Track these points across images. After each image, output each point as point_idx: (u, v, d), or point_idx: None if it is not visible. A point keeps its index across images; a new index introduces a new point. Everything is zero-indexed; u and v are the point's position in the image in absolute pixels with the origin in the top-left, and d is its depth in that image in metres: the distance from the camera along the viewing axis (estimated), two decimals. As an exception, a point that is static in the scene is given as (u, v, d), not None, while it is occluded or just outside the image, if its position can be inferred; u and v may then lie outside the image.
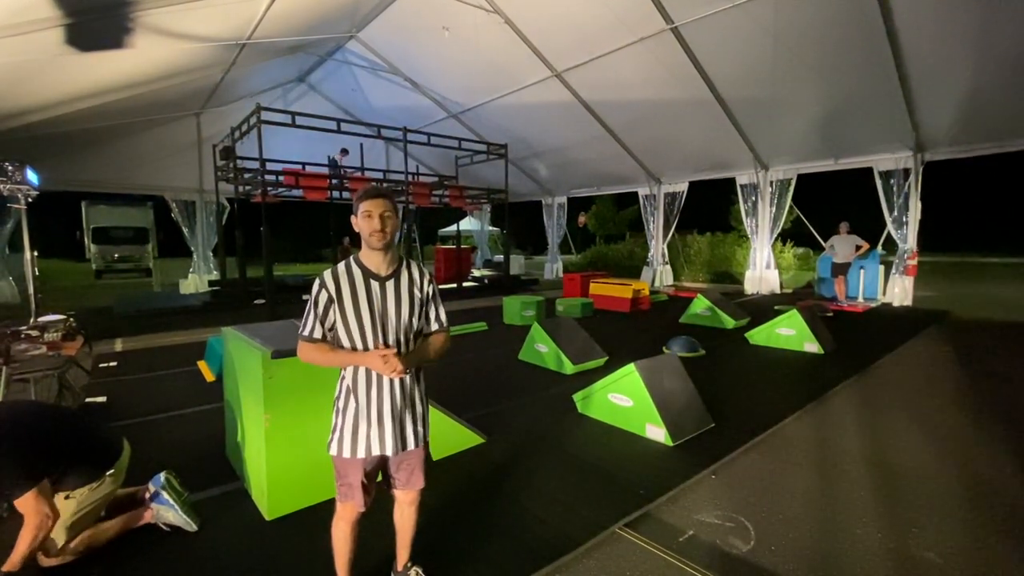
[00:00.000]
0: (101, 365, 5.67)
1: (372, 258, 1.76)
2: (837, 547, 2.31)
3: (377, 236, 1.71)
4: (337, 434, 1.79)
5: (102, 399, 4.34)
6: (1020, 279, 15.95)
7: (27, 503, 1.94)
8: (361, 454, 1.77)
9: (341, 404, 1.80)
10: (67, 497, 2.14)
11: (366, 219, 1.71)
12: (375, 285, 1.75)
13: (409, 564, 2.05)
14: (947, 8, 6.61)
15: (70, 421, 2.33)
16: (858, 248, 9.48)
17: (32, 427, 2.13)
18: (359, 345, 1.74)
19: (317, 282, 1.72)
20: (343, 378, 1.82)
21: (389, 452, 1.78)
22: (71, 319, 4.44)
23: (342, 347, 1.75)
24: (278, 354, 2.44)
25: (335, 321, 1.73)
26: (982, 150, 8.74)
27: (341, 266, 1.76)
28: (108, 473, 2.27)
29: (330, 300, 1.71)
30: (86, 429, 2.33)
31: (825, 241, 10.99)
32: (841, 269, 9.75)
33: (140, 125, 11.31)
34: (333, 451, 1.79)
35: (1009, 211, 31.94)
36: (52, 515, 2.00)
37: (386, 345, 1.74)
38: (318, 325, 1.72)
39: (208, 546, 2.31)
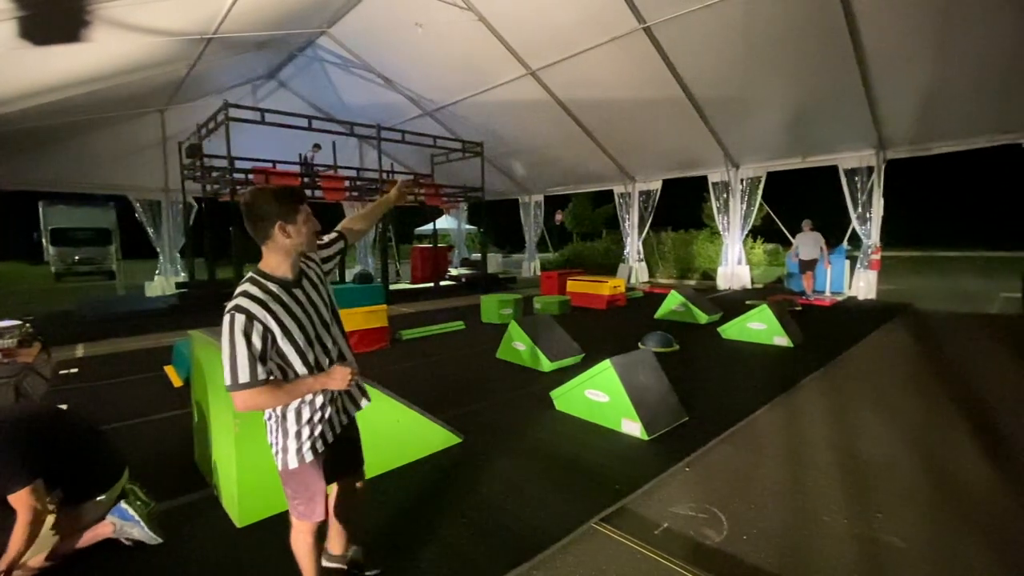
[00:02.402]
0: (61, 372, 5.43)
1: (284, 266, 1.60)
2: (806, 534, 2.38)
3: (315, 238, 1.67)
4: (294, 444, 1.64)
5: (63, 407, 4.16)
6: (977, 272, 16.69)
7: (21, 499, 1.91)
8: (321, 448, 1.68)
9: (291, 414, 1.64)
10: (50, 512, 2.08)
11: (308, 221, 1.62)
12: (297, 294, 1.61)
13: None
14: (908, 11, 6.85)
15: (76, 433, 2.26)
16: (822, 249, 9.71)
17: (33, 428, 2.10)
18: (302, 370, 1.59)
19: (241, 316, 1.45)
20: None
21: (337, 432, 1.74)
22: (27, 324, 4.24)
23: (286, 379, 1.58)
24: (247, 357, 2.38)
25: (276, 354, 1.54)
26: (940, 148, 9.10)
27: (254, 288, 1.51)
28: (98, 498, 2.20)
29: (266, 332, 1.49)
30: (90, 446, 2.26)
31: (793, 237, 11.31)
32: (808, 265, 9.98)
33: (101, 122, 10.88)
34: (294, 464, 1.63)
35: (967, 207, 33.44)
36: (45, 511, 1.96)
37: (326, 355, 1.68)
38: (258, 366, 1.46)
39: (176, 556, 2.24)
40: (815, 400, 4.31)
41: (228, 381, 1.45)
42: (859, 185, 9.85)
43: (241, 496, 2.43)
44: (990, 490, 2.76)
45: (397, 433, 3.03)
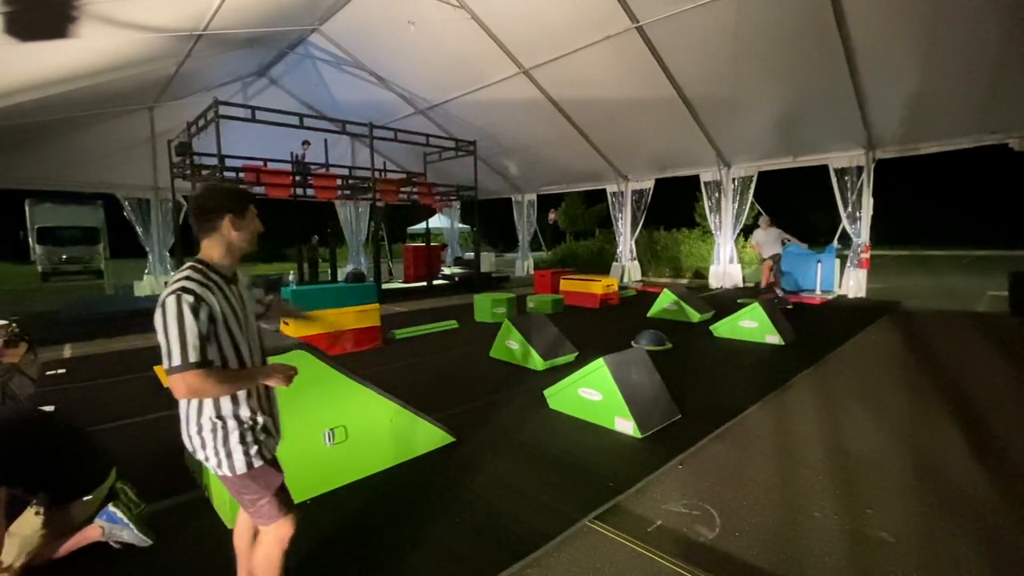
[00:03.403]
0: (48, 373, 5.37)
1: (226, 261, 1.62)
2: (797, 530, 2.40)
3: (257, 239, 1.70)
4: (243, 444, 1.58)
5: (50, 408, 4.11)
6: (965, 271, 16.92)
7: None
8: (275, 450, 1.69)
9: (242, 412, 1.60)
10: (37, 513, 2.04)
11: (255, 221, 1.67)
12: (233, 289, 1.62)
13: None
14: (897, 13, 6.92)
15: (55, 436, 2.22)
16: (785, 243, 9.27)
17: (4, 434, 2.07)
18: (235, 364, 1.58)
19: (189, 296, 1.44)
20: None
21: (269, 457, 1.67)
22: (14, 324, 4.18)
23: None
24: (238, 357, 2.36)
25: (217, 340, 1.52)
26: (929, 148, 9.20)
27: (197, 275, 1.52)
28: (85, 498, 2.17)
29: (211, 314, 1.49)
30: (72, 448, 2.22)
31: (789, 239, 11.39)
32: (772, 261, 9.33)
33: (88, 119, 10.71)
34: (241, 468, 1.58)
35: (956, 207, 33.90)
36: None
37: (252, 355, 1.66)
38: (207, 347, 1.46)
39: (167, 558, 2.22)
40: (806, 397, 4.35)
41: (176, 362, 1.40)
42: (849, 184, 9.94)
43: (232, 498, 2.40)
44: (977, 485, 2.80)
45: (390, 432, 3.02)
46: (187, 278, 1.49)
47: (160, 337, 1.43)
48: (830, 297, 9.99)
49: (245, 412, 1.61)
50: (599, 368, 3.62)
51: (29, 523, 2.03)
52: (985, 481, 2.83)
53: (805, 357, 5.47)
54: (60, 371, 5.47)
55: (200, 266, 1.56)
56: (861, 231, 9.91)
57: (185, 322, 1.42)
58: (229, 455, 1.57)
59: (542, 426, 3.69)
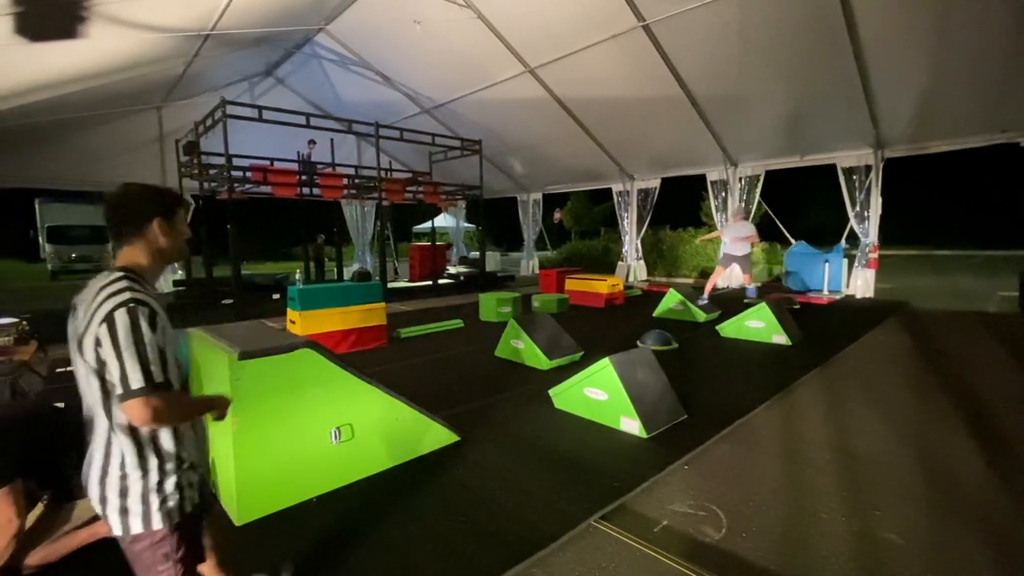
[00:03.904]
0: (58, 370, 5.41)
1: (153, 272, 1.41)
2: (804, 531, 2.39)
3: (186, 248, 1.51)
4: (177, 490, 1.34)
5: (60, 405, 4.15)
6: (974, 271, 16.75)
7: None
8: (190, 508, 1.39)
9: (184, 450, 1.38)
10: (44, 505, 2.11)
11: (184, 224, 1.49)
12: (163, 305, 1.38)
13: None
14: (906, 10, 6.85)
15: (67, 432, 2.24)
16: (748, 238, 8.52)
17: (19, 429, 2.08)
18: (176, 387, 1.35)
19: (145, 308, 1.25)
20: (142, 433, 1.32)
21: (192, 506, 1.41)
22: (24, 322, 4.23)
23: None
24: (245, 356, 2.38)
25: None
26: (938, 147, 9.10)
27: (137, 286, 1.29)
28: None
29: (164, 330, 1.30)
30: (83, 446, 2.24)
31: (793, 238, 11.33)
32: (729, 260, 8.78)
33: (97, 119, 10.81)
34: (158, 524, 1.30)
35: (966, 206, 33.55)
36: (14, 520, 1.94)
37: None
38: (168, 367, 1.28)
39: (174, 554, 2.23)
40: (813, 398, 4.32)
41: (137, 384, 1.20)
42: (857, 184, 9.86)
43: (240, 494, 2.42)
44: (987, 487, 2.77)
45: (396, 431, 3.03)
46: (131, 289, 1.26)
47: (108, 357, 1.21)
48: (837, 297, 9.91)
49: (186, 450, 1.39)
50: (605, 368, 3.62)
51: (34, 516, 2.07)
52: (995, 483, 2.81)
53: (812, 357, 5.44)
54: (69, 368, 5.50)
55: (133, 275, 1.32)
56: (869, 231, 9.83)
57: (144, 337, 1.23)
58: (164, 502, 1.31)
59: (547, 425, 3.69)
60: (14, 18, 5.43)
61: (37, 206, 17.86)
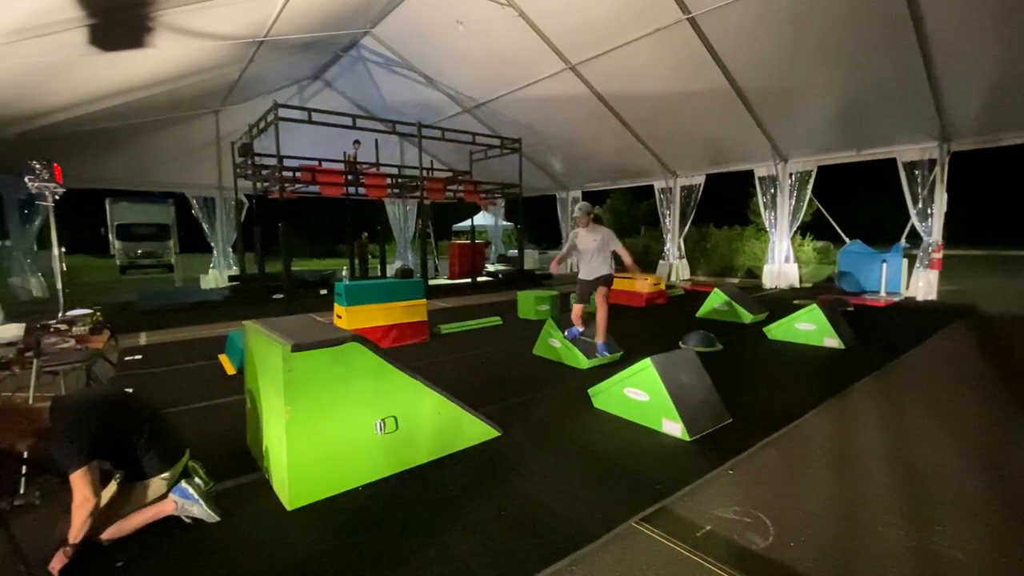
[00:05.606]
0: (126, 358, 5.81)
1: None
2: (858, 544, 2.28)
3: None
4: None
5: (128, 391, 4.45)
6: (1051, 272, 15.46)
7: (74, 480, 2.08)
8: None
9: None
10: (117, 482, 2.31)
11: None
12: None
13: None
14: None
15: (140, 418, 2.42)
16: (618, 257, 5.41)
17: (98, 412, 2.26)
18: None
19: None
20: None
21: None
22: (97, 313, 4.55)
23: None
24: (298, 347, 2.48)
25: None
26: (1011, 140, 8.46)
27: None
28: (163, 475, 2.37)
29: None
30: (152, 430, 2.42)
31: (848, 236, 10.79)
32: (592, 285, 5.24)
33: (161, 123, 11.52)
34: None
35: (1038, 203, 30.93)
36: (91, 498, 2.10)
37: None
38: None
39: (231, 536, 2.36)
40: (868, 405, 4.11)
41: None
42: (919, 179, 9.29)
43: (291, 480, 2.54)
44: (1066, 506, 2.57)
45: (437, 424, 3.09)
46: None
47: None
48: (896, 299, 9.38)
49: None
50: (646, 368, 3.56)
51: (108, 493, 2.23)
52: (1075, 502, 2.59)
53: (868, 362, 5.17)
54: (137, 357, 5.90)
55: None
56: (933, 229, 9.24)
57: None
58: None
59: (587, 424, 3.67)
60: (89, 29, 5.85)
61: (107, 205, 19.17)
